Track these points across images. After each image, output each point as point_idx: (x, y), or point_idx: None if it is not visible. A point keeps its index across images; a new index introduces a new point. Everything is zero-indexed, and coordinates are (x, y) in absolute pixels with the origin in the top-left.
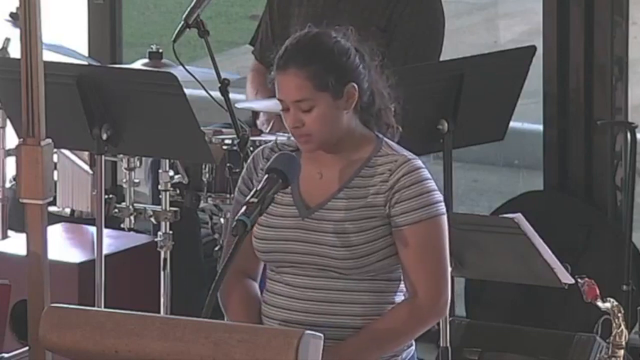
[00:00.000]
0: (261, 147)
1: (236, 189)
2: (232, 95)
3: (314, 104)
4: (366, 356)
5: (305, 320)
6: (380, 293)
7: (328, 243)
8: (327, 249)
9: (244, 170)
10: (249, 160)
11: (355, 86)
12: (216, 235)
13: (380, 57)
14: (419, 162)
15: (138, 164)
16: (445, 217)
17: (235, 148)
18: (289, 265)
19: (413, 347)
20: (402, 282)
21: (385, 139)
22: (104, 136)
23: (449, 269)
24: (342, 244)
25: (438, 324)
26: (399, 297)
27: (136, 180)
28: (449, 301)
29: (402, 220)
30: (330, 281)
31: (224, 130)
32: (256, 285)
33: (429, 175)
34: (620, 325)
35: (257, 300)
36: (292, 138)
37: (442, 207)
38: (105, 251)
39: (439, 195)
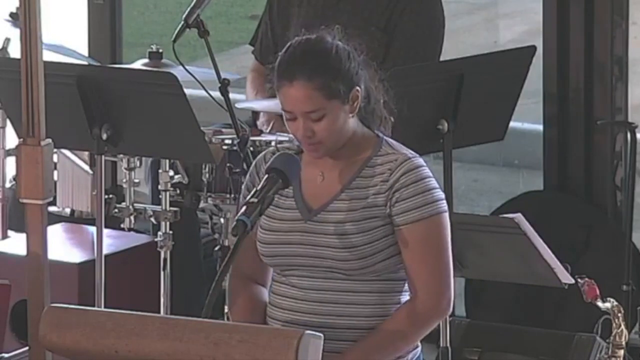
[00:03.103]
0: (263, 152)
1: (240, 195)
2: (232, 95)
3: (325, 113)
4: None
5: (310, 321)
6: (385, 293)
7: (330, 245)
8: (330, 250)
9: (247, 176)
10: (251, 167)
11: (359, 89)
12: (216, 235)
13: (364, 52)
14: (419, 160)
15: (138, 164)
16: (446, 215)
17: (235, 148)
18: (294, 268)
19: (419, 349)
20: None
21: (386, 138)
22: (104, 136)
23: (452, 267)
24: (343, 245)
25: (438, 323)
26: (405, 297)
27: (136, 180)
28: (452, 300)
29: (402, 219)
30: (335, 282)
31: (224, 130)
32: (264, 291)
33: (429, 173)
34: (620, 325)
35: (263, 306)
36: (294, 141)
37: (443, 205)
38: (105, 251)
39: (439, 193)
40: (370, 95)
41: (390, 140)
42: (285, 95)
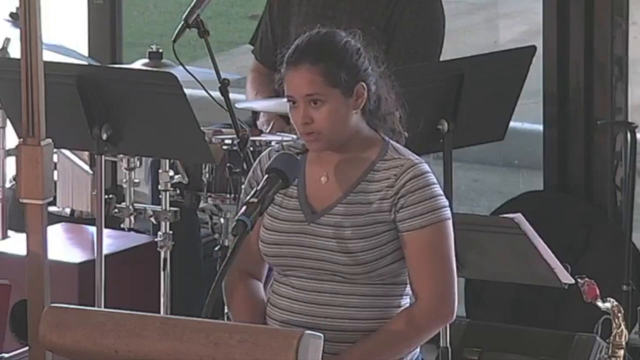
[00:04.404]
0: (267, 149)
1: (242, 191)
2: (232, 95)
3: (325, 100)
4: None
5: (308, 322)
6: (385, 297)
7: (331, 248)
8: (330, 254)
9: (250, 173)
10: (255, 163)
11: (365, 86)
12: (216, 235)
13: (384, 64)
14: (425, 166)
15: (138, 164)
16: (450, 222)
17: (235, 148)
18: (295, 269)
19: (417, 350)
20: (408, 286)
21: (392, 142)
22: (104, 136)
23: (455, 274)
24: (344, 250)
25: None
26: (405, 300)
27: (136, 180)
28: (455, 306)
29: (407, 225)
30: (336, 285)
31: (224, 130)
32: (261, 286)
33: (434, 180)
34: (620, 325)
35: (261, 300)
36: (299, 140)
37: (448, 212)
38: (105, 251)
39: (444, 200)
40: (380, 102)
41: (395, 144)
42: (290, 80)
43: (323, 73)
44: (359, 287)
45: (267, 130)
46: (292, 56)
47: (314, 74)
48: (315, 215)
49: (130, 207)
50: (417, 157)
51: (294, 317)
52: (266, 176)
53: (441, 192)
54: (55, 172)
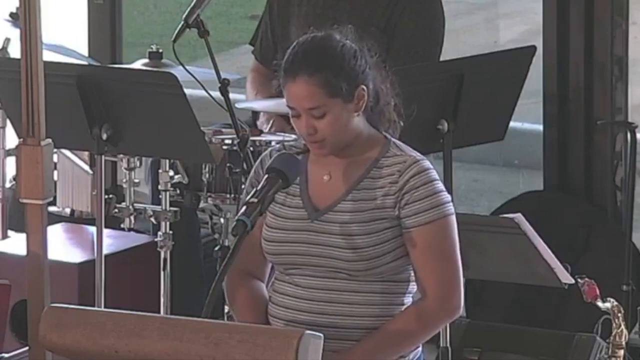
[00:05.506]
0: (269, 149)
1: (244, 192)
2: (232, 95)
3: (327, 110)
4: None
5: (312, 320)
6: (389, 294)
7: (337, 245)
8: (335, 251)
9: (252, 173)
10: (256, 163)
11: (365, 88)
12: (216, 235)
13: (378, 53)
14: (427, 162)
15: (138, 164)
16: (454, 218)
17: (235, 148)
18: (298, 267)
19: (419, 348)
20: (412, 283)
21: (394, 139)
22: (104, 136)
23: (460, 269)
24: (349, 246)
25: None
26: (408, 299)
27: (136, 180)
28: (461, 301)
29: (412, 222)
30: (339, 282)
31: (224, 130)
32: (263, 286)
33: (437, 176)
34: (620, 325)
35: (264, 299)
36: (300, 140)
37: (451, 207)
38: (105, 251)
39: (447, 196)
40: (379, 97)
41: (397, 142)
42: (289, 92)
43: (322, 84)
44: (362, 284)
45: (267, 130)
46: (288, 66)
47: (312, 86)
48: (318, 212)
49: (130, 207)
50: (419, 154)
51: (298, 315)
52: (266, 176)
53: (443, 188)
54: (55, 172)
